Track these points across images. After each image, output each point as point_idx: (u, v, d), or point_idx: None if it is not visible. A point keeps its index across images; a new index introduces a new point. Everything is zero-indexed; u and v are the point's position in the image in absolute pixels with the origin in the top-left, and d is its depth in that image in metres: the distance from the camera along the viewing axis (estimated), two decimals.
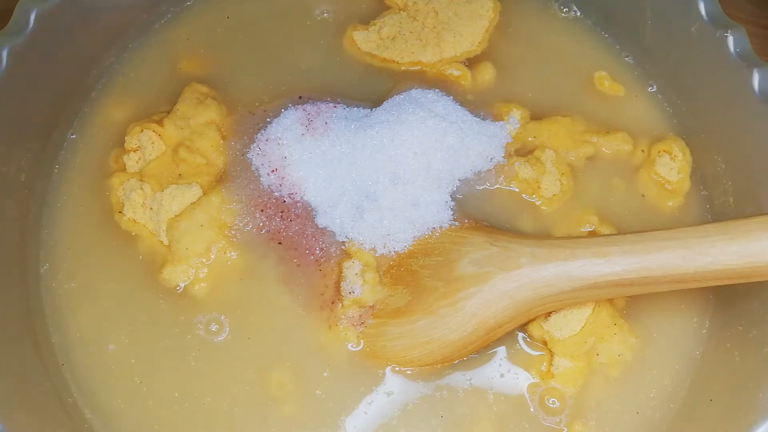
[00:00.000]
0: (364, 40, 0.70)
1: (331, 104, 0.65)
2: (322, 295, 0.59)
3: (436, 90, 0.66)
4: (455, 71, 0.68)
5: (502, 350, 0.59)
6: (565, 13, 0.74)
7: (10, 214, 0.59)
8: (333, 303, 0.58)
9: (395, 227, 0.59)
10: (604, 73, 0.70)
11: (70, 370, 0.58)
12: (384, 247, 0.59)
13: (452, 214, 0.61)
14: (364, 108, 0.64)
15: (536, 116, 0.66)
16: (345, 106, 0.65)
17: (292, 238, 0.60)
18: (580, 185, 0.65)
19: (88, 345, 0.58)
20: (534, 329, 0.58)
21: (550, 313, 0.57)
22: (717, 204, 0.65)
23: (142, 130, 0.62)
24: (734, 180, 0.63)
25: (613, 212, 0.64)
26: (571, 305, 0.57)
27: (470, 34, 0.70)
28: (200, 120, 0.63)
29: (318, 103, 0.65)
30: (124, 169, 0.63)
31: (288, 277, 0.59)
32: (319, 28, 0.71)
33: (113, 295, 0.60)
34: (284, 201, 0.61)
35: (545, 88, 0.69)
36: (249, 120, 0.65)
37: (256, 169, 0.62)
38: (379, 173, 0.60)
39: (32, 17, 0.57)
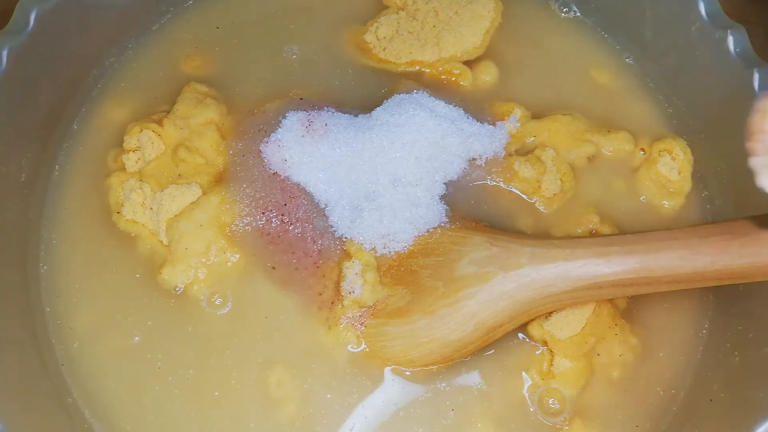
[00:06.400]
0: (362, 40, 0.69)
1: (331, 106, 0.65)
2: (321, 295, 0.59)
3: (435, 91, 0.65)
4: (455, 71, 0.68)
5: (502, 350, 0.59)
6: (565, 13, 0.73)
7: (10, 214, 0.59)
8: (333, 303, 0.58)
9: (395, 227, 0.59)
10: (604, 73, 0.70)
11: (70, 370, 0.58)
12: (384, 247, 0.59)
13: (452, 214, 0.61)
14: (363, 109, 0.64)
15: (536, 116, 0.66)
16: (344, 108, 0.65)
17: (292, 238, 0.60)
18: (581, 185, 0.64)
19: (88, 345, 0.59)
20: (534, 329, 0.58)
21: (551, 313, 0.57)
22: (717, 204, 0.65)
23: (142, 130, 0.62)
24: (734, 180, 0.63)
25: (613, 212, 0.64)
26: (572, 305, 0.57)
27: (471, 34, 0.70)
28: (200, 120, 0.63)
29: (318, 104, 0.65)
30: (123, 168, 0.63)
31: (287, 278, 0.59)
32: (318, 28, 0.71)
33: (113, 295, 0.60)
34: (284, 203, 0.61)
35: (545, 88, 0.69)
36: (249, 120, 0.65)
37: (256, 170, 0.62)
38: (379, 175, 0.60)
39: (32, 17, 0.57)
